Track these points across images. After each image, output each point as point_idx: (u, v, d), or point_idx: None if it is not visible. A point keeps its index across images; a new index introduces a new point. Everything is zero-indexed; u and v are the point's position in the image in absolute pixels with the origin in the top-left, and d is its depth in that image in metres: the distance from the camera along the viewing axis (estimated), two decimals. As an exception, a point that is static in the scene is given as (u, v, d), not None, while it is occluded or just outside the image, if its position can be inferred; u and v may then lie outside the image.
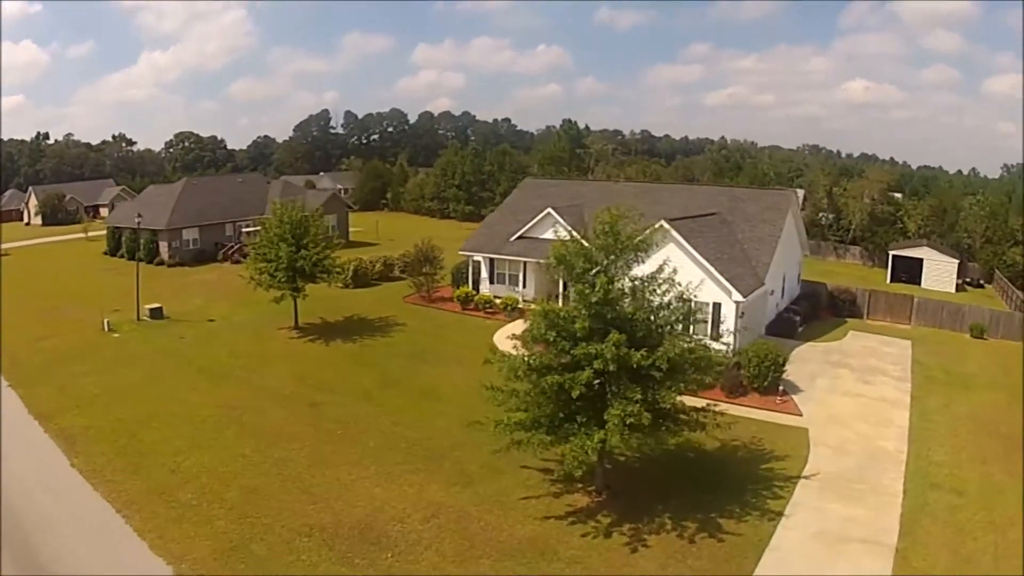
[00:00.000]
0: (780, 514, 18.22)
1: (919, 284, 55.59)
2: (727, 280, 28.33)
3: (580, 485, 18.87)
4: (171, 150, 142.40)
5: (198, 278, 47.55)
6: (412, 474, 19.93)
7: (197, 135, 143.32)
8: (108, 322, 34.53)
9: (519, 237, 39.05)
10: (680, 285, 17.58)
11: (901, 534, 17.69)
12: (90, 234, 67.70)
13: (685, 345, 16.62)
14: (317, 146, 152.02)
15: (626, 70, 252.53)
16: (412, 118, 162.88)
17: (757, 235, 33.65)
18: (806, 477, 20.59)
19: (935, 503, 19.33)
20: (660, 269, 17.42)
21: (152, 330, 34.33)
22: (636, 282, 17.21)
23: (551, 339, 16.63)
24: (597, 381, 16.28)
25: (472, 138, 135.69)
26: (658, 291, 17.07)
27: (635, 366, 15.83)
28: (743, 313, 28.65)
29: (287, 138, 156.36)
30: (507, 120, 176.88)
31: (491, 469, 19.71)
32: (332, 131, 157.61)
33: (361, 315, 37.07)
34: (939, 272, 56.92)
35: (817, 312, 39.65)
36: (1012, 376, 31.17)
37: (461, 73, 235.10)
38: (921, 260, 56.96)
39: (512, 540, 16.70)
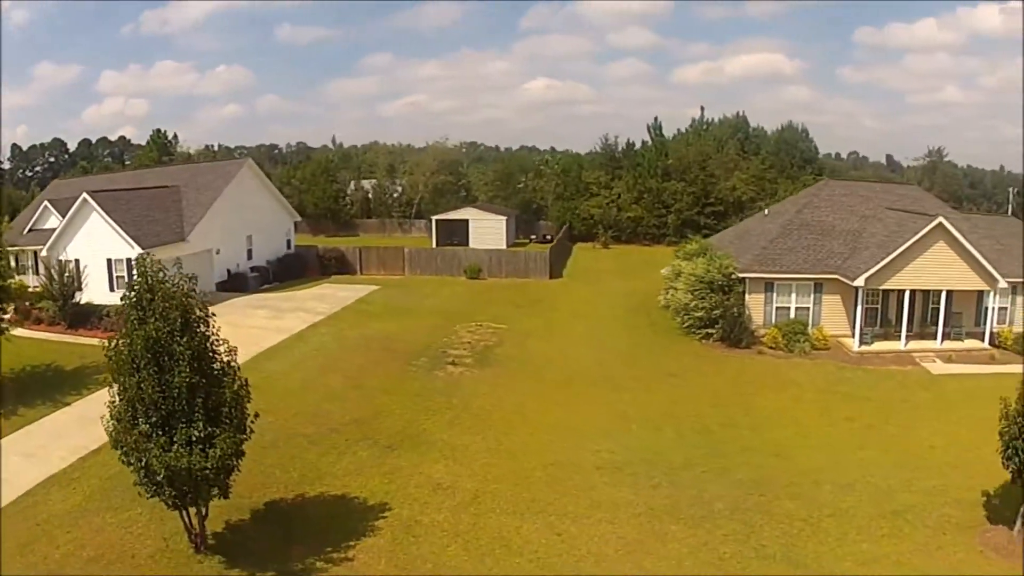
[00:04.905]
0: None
1: (467, 245, 63.35)
2: (131, 238, 32.97)
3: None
4: None
5: None
6: None
7: None
8: None
9: (30, 230, 40.27)
10: None
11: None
12: None
13: None
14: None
15: (309, 86, 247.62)
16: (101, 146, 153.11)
17: (200, 201, 38.22)
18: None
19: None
20: None
21: None
22: None
23: None
24: None
25: (128, 162, 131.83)
26: None
27: None
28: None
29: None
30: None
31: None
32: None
33: None
34: (486, 231, 64.02)
35: (303, 271, 44.96)
36: (462, 304, 37.61)
37: (145, 99, 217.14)
38: (467, 221, 65.01)
39: None
